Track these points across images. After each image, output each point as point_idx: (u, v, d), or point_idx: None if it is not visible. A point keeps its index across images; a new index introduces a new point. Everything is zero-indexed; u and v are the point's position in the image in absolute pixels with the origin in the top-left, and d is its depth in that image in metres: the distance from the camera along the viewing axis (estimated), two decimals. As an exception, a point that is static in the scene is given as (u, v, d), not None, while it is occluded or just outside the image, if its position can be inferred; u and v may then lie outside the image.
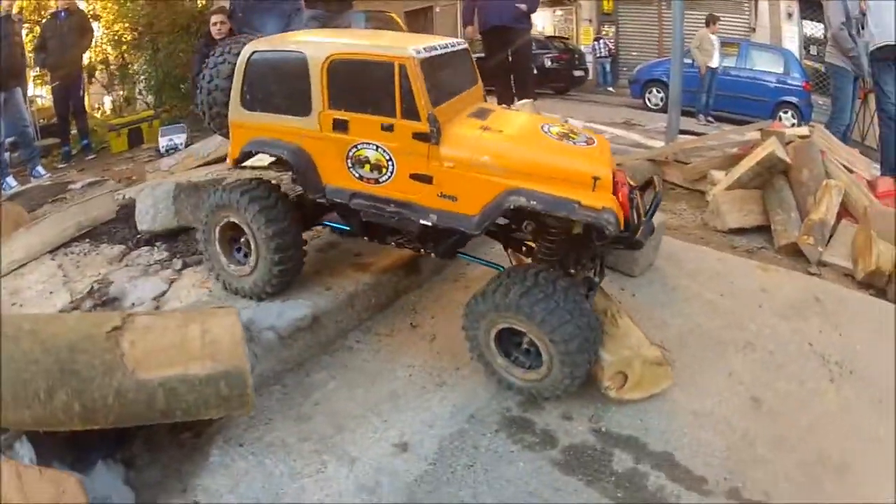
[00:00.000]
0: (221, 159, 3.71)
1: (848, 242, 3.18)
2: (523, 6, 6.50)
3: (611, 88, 17.13)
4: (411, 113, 1.27)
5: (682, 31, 5.59)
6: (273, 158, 1.57)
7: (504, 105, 5.34)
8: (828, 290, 2.94)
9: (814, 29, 13.34)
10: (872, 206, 3.24)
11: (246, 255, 1.80)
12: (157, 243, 2.78)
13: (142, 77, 9.49)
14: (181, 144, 4.66)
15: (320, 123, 1.35)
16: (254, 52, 1.44)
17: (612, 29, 18.87)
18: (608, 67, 17.76)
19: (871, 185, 3.89)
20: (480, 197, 1.28)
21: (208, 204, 1.74)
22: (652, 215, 1.46)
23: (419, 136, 1.27)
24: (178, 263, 2.56)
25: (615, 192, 1.31)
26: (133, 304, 2.39)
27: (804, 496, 1.81)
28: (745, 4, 15.50)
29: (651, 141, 6.66)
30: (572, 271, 1.72)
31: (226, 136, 1.66)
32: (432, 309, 2.42)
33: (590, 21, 19.65)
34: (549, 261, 1.63)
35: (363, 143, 1.32)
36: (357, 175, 1.37)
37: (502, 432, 1.81)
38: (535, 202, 1.25)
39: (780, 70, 11.58)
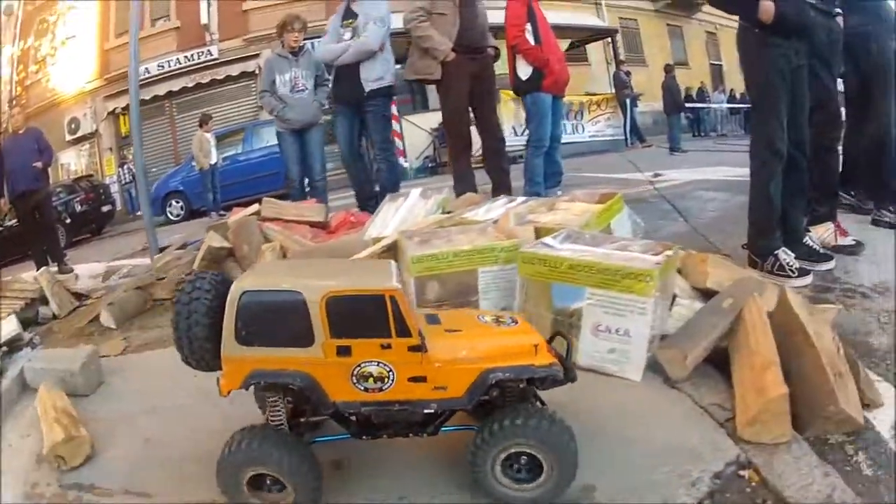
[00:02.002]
0: None
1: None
2: (39, 164, 7.02)
3: (139, 212, 16.84)
4: (404, 332, 1.48)
5: (143, 156, 5.77)
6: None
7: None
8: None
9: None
10: (293, 252, 3.48)
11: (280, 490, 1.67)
12: None
13: None
14: None
15: (324, 351, 1.50)
16: (244, 293, 1.51)
17: (133, 151, 18.77)
18: (135, 192, 17.46)
19: (325, 225, 4.16)
20: (465, 381, 1.54)
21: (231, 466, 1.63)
22: (570, 357, 1.69)
23: (413, 349, 1.50)
24: None
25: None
26: None
27: None
28: (253, 85, 16.46)
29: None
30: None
31: (204, 368, 1.66)
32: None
33: (111, 149, 19.29)
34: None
35: (365, 362, 1.51)
36: (362, 388, 1.54)
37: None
38: (508, 374, 1.54)
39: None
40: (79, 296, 4.50)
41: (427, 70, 4.72)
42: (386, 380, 1.54)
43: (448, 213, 3.33)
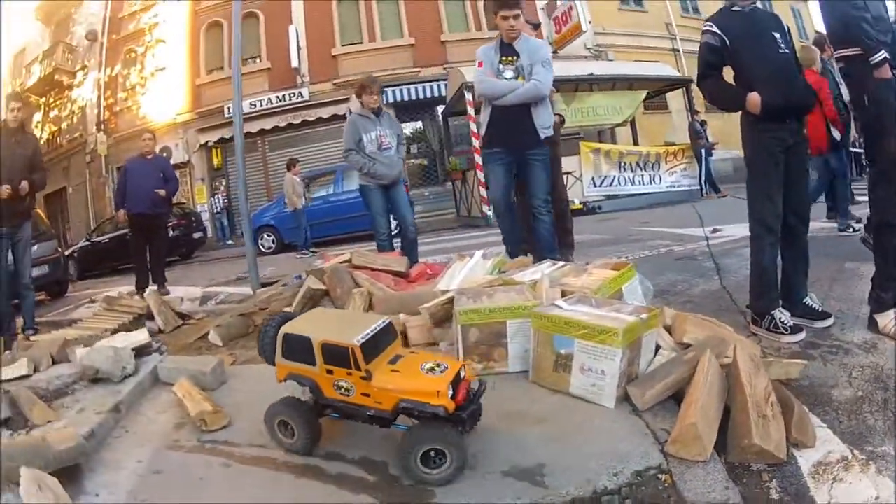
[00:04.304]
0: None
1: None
2: (162, 192, 7.87)
3: (229, 241, 18.23)
4: (358, 367, 2.32)
5: (246, 187, 6.57)
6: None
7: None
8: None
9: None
10: (377, 297, 4.13)
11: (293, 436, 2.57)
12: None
13: None
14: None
15: (320, 370, 2.40)
16: (285, 334, 2.47)
17: (224, 182, 20.01)
18: (225, 221, 18.82)
19: (406, 275, 4.85)
20: (391, 403, 2.32)
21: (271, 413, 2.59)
22: (477, 400, 2.46)
23: (363, 378, 2.32)
24: None
25: (457, 391, 2.32)
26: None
27: None
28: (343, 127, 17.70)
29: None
30: None
31: (272, 364, 2.58)
32: None
33: (202, 179, 20.77)
34: None
35: (339, 379, 2.38)
36: (339, 392, 2.40)
37: None
38: (410, 405, 2.29)
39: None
40: (182, 315, 5.34)
41: None
42: (350, 391, 2.39)
43: (503, 272, 4.02)
